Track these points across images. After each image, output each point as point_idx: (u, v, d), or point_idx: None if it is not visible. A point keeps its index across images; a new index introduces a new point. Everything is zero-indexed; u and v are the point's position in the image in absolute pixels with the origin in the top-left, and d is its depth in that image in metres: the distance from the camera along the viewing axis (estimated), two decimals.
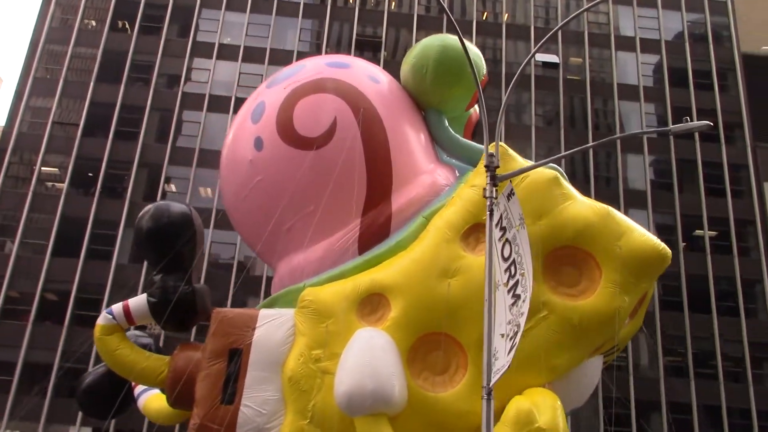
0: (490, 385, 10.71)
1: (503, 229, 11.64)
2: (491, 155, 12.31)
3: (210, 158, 46.49)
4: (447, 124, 15.07)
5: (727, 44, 50.62)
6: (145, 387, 14.90)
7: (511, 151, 13.30)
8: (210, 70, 48.03)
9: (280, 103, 14.03)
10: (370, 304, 12.29)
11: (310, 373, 11.89)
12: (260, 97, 14.80)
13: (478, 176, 13.08)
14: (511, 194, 11.61)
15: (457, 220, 12.70)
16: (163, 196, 45.08)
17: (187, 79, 48.00)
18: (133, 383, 14.89)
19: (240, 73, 47.90)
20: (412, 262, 12.34)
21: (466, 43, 13.76)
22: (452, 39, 14.78)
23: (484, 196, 12.24)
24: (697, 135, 46.21)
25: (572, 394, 12.47)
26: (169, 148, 45.98)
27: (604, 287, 12.06)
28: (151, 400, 14.79)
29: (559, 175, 13.01)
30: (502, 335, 10.77)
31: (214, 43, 48.59)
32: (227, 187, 15.15)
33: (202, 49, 48.56)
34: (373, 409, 11.27)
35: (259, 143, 14.03)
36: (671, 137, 45.36)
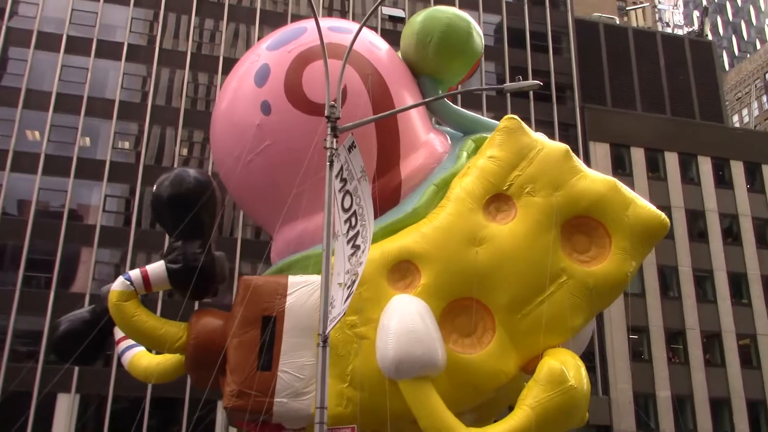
0: (326, 332, 11.49)
1: (344, 180, 12.29)
2: (332, 106, 12.93)
3: (38, 99, 44.46)
4: (440, 92, 15.91)
5: (562, 8, 54.10)
6: (130, 344, 14.92)
7: (524, 125, 14.38)
8: (38, 4, 46.02)
9: (287, 67, 14.20)
10: (399, 270, 12.98)
11: (346, 338, 12.48)
12: (261, 59, 14.78)
13: (494, 147, 14.06)
14: (352, 146, 12.19)
15: (478, 190, 13.56)
16: None
17: (13, 13, 45.56)
18: (117, 338, 14.99)
19: (72, 10, 46.05)
20: (439, 231, 13.06)
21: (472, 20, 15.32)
22: (459, 13, 15.76)
23: (324, 147, 12.88)
24: (531, 94, 49.95)
25: (576, 349, 13.56)
26: None
27: (615, 254, 13.40)
28: (138, 358, 14.83)
29: (569, 149, 14.27)
30: (340, 284, 11.52)
31: None
32: (226, 151, 15.07)
33: None
34: (420, 373, 12.08)
35: (266, 107, 14.15)
36: (508, 96, 48.88)
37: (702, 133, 52.30)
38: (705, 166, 50.96)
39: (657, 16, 65.92)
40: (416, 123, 15.15)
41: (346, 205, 12.18)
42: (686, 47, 55.70)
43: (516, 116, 14.50)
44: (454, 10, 16.09)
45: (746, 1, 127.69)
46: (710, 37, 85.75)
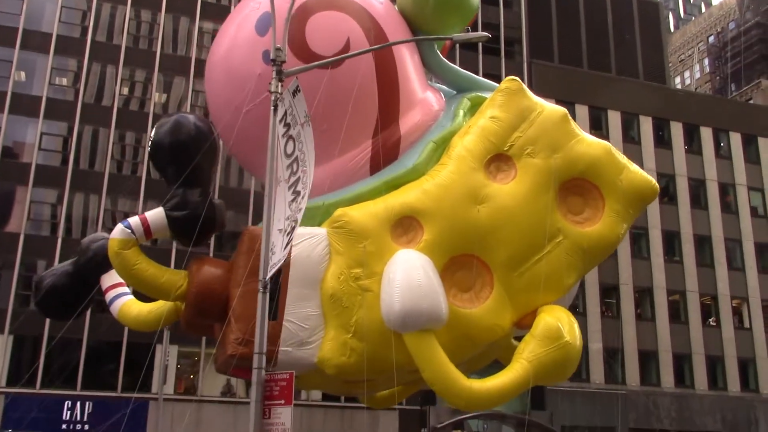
0: (266, 278, 11.99)
1: (287, 126, 12.47)
2: (278, 49, 13.23)
3: None
4: (436, 48, 16.23)
5: None
6: (118, 292, 15.00)
7: (525, 88, 14.85)
8: None
9: (290, 17, 13.95)
10: (402, 226, 13.33)
11: (351, 290, 12.83)
12: (263, 6, 14.68)
13: (495, 108, 14.45)
14: (296, 91, 12.31)
15: (480, 149, 13.96)
16: None
17: None
18: (104, 287, 15.02)
19: None
20: (441, 188, 13.47)
21: None
22: None
23: (269, 91, 13.08)
24: (480, 47, 50.45)
25: (564, 305, 14.18)
26: None
27: (608, 216, 14.08)
28: (128, 306, 14.90)
29: (567, 112, 14.78)
30: (280, 230, 11.87)
31: None
32: (224, 101, 14.97)
33: None
34: (425, 326, 12.54)
35: (268, 57, 14.01)
36: (457, 47, 49.25)
37: (645, 93, 53.79)
38: (646, 125, 52.58)
39: None
40: (414, 80, 15.40)
41: (289, 150, 12.39)
42: (634, 6, 56.89)
43: (517, 78, 14.94)
44: None
45: None
46: None
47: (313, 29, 14.21)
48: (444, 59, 16.43)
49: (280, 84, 13.22)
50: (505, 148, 14.06)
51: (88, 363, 42.67)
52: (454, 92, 16.24)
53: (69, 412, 41.44)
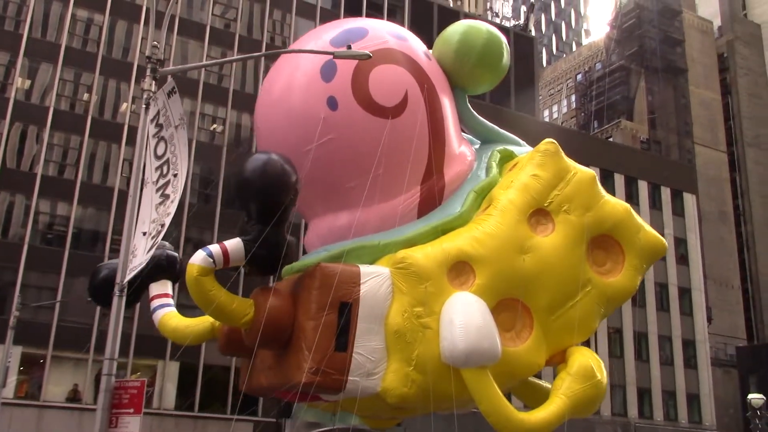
0: (124, 282, 12.96)
1: (159, 126, 13.24)
2: (155, 47, 14.30)
3: None
4: (467, 101, 18.09)
5: None
6: (162, 303, 15.97)
7: (561, 150, 16.74)
8: None
9: (354, 67, 15.75)
10: (456, 269, 14.95)
11: (413, 327, 14.44)
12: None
13: (535, 167, 16.40)
14: (172, 92, 13.15)
15: (523, 204, 15.86)
16: None
17: None
18: (151, 295, 15.93)
19: None
20: (491, 237, 15.28)
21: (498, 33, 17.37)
22: (493, 30, 17.80)
23: (142, 89, 13.98)
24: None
25: None
26: None
27: (628, 269, 16.46)
28: (168, 317, 15.91)
29: (596, 175, 16.89)
30: (144, 233, 12.76)
31: None
32: (279, 140, 15.82)
33: None
34: (484, 363, 14.30)
35: (333, 103, 15.57)
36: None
37: (515, 124, 57.84)
38: None
39: (488, 5, 71.47)
40: (454, 134, 17.25)
41: (159, 151, 13.14)
42: (510, 40, 60.95)
43: (554, 141, 16.96)
44: (488, 27, 18.14)
45: (569, 4, 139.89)
46: (533, 33, 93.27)
47: (375, 81, 15.77)
48: (473, 111, 18.42)
49: (153, 82, 13.96)
50: (545, 204, 16.10)
51: None
52: (479, 143, 18.38)
53: None
